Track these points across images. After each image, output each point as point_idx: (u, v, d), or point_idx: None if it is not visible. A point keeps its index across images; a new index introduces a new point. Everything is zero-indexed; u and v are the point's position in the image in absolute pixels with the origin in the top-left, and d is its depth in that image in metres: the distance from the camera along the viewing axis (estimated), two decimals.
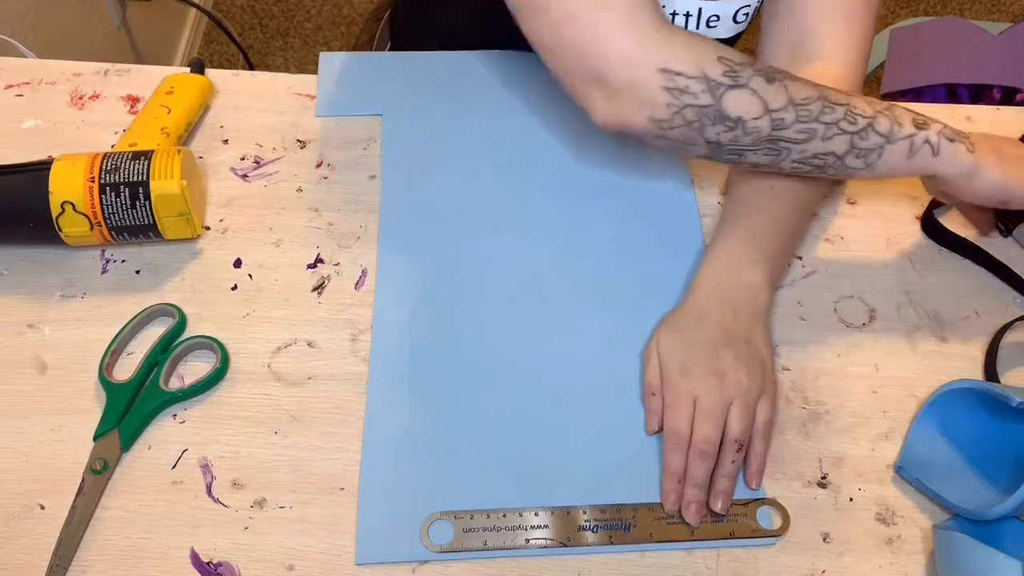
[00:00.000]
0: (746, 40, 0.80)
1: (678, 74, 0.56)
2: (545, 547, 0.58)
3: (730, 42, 0.78)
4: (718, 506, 0.59)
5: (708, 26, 0.75)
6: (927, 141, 0.62)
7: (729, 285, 0.64)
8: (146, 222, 0.66)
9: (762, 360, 0.62)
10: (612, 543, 0.58)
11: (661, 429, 0.62)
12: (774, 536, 0.59)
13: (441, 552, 0.57)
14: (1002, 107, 0.85)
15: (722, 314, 0.63)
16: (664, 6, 0.73)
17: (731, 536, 0.59)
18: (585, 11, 0.56)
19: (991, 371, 0.67)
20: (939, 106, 0.85)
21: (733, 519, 0.60)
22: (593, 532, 0.58)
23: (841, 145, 0.60)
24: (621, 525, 0.59)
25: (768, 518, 0.60)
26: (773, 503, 0.60)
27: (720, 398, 0.60)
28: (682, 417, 0.60)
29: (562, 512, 0.59)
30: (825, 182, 0.71)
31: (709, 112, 0.57)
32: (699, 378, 0.61)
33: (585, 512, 0.59)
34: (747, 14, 0.74)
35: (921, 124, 0.62)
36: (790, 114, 0.58)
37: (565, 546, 0.58)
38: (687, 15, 0.74)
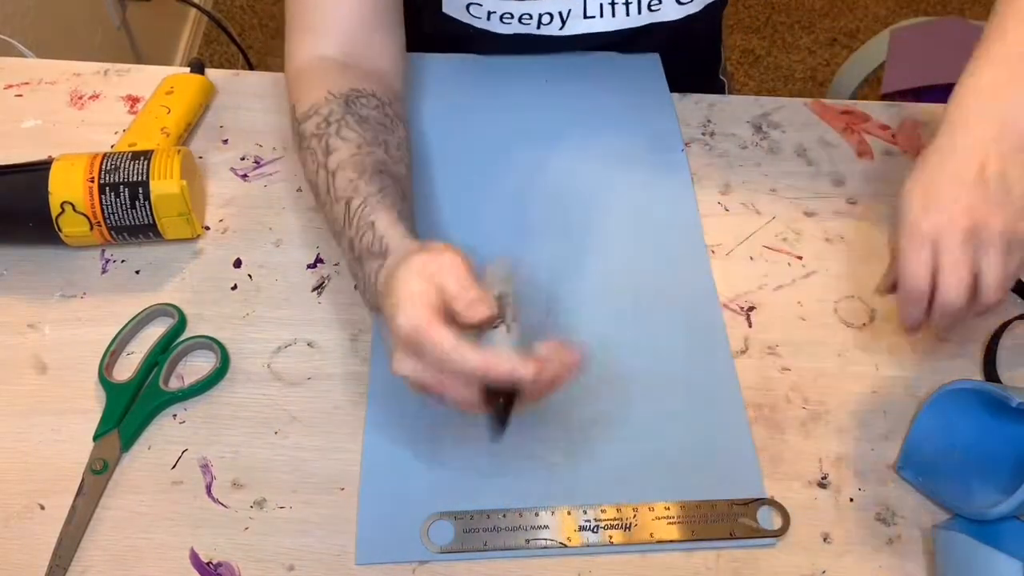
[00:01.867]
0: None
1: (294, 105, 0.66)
2: (545, 547, 0.58)
3: (685, 23, 0.77)
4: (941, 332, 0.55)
5: (650, 10, 0.75)
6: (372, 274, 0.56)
7: (986, 116, 0.56)
8: (146, 222, 0.66)
9: (1018, 203, 0.54)
10: (612, 543, 0.58)
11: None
12: (774, 536, 0.59)
13: (441, 553, 0.57)
14: None
15: (976, 149, 0.55)
16: None
17: (731, 536, 0.59)
18: (289, 31, 0.70)
19: (991, 371, 0.67)
20: (939, 106, 0.85)
21: (733, 519, 0.60)
22: (593, 532, 0.58)
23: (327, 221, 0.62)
24: (621, 525, 0.59)
25: (768, 518, 0.60)
26: (773, 503, 0.60)
27: (967, 246, 0.53)
28: (919, 265, 0.54)
29: (562, 512, 0.59)
30: None
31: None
32: (943, 218, 0.53)
33: (585, 512, 0.59)
34: None
35: (354, 271, 0.57)
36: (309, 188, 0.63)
37: (565, 546, 0.58)
38: (627, 3, 0.75)
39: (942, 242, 0.52)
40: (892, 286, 0.57)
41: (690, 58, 0.87)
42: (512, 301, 0.52)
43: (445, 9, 0.75)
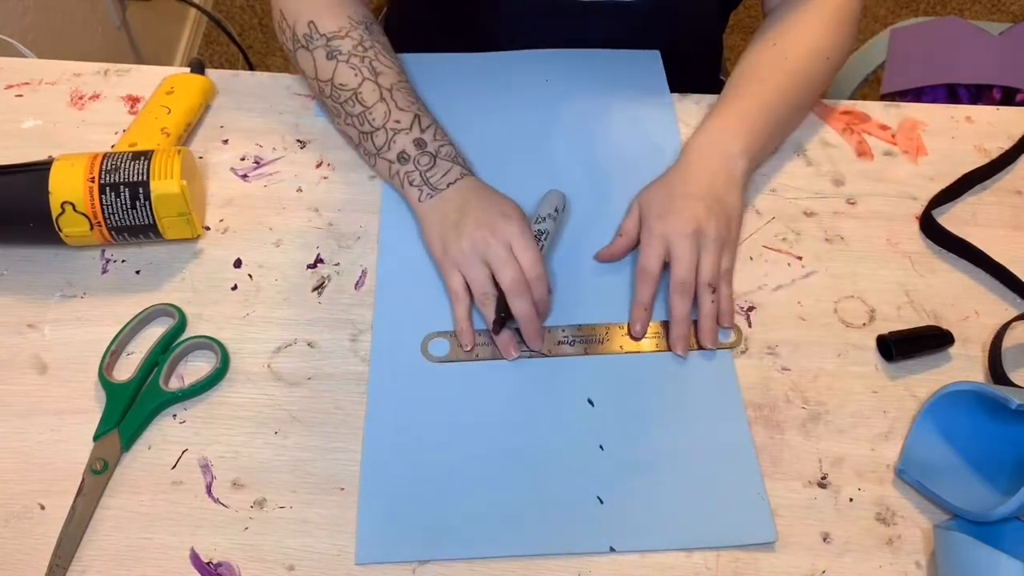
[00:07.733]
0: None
1: (283, 17, 0.74)
2: (531, 357, 0.65)
3: (692, 17, 0.79)
4: (707, 343, 0.66)
5: None
6: (404, 175, 0.70)
7: (711, 154, 0.71)
8: (146, 222, 0.66)
9: (729, 216, 0.69)
10: (587, 354, 0.66)
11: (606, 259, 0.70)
12: (730, 348, 0.67)
13: (439, 362, 0.64)
14: (1002, 107, 0.85)
15: (702, 176, 0.70)
16: None
17: (696, 347, 0.66)
18: None
19: (998, 372, 0.67)
20: (939, 106, 0.85)
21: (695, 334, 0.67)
22: (571, 345, 0.66)
23: (353, 135, 0.73)
24: (595, 339, 0.66)
25: (727, 335, 0.68)
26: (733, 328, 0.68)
27: (692, 243, 0.66)
28: (654, 256, 0.67)
29: (543, 330, 0.66)
30: (815, 87, 0.77)
31: (290, 56, 0.75)
32: (674, 224, 0.67)
33: (564, 330, 0.67)
34: None
35: (416, 157, 0.69)
36: (327, 88, 0.72)
37: (546, 356, 0.65)
38: None
39: (673, 246, 0.67)
40: (607, 256, 0.71)
41: (692, 58, 0.87)
42: (550, 227, 0.69)
43: None
